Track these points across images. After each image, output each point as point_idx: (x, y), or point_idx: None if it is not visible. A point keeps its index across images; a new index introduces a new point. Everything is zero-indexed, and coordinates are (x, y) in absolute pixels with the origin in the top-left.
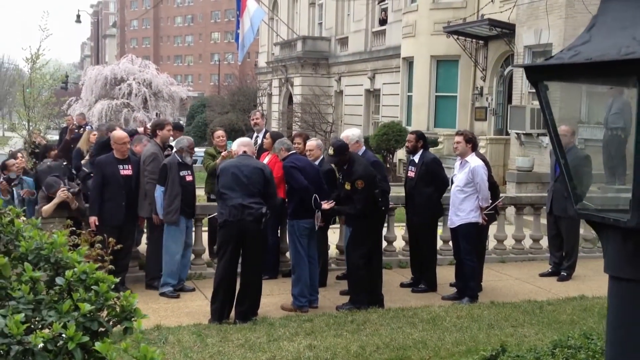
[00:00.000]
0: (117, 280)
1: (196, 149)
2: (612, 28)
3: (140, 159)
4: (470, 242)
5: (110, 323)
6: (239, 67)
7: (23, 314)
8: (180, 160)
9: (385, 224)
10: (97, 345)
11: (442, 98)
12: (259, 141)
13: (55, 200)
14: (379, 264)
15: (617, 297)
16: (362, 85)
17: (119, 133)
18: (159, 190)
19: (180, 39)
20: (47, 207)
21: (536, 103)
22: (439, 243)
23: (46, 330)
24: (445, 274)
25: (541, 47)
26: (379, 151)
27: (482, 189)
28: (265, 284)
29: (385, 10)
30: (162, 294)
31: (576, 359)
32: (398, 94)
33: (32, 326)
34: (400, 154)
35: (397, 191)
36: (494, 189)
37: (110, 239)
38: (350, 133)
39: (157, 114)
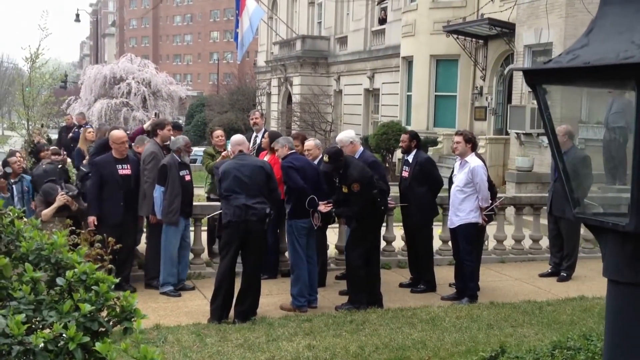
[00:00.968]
0: (117, 280)
1: (195, 149)
2: (611, 32)
3: (140, 158)
4: (470, 242)
5: (110, 323)
6: (238, 67)
7: (24, 315)
8: (180, 160)
9: (384, 224)
10: (98, 345)
11: (442, 97)
12: (258, 141)
13: (55, 205)
14: (377, 264)
15: (616, 301)
16: (361, 84)
17: (117, 133)
18: (158, 191)
19: (180, 38)
20: (47, 212)
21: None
22: (439, 243)
23: (47, 331)
24: (445, 274)
25: (541, 46)
26: (378, 151)
27: (482, 189)
28: (264, 283)
29: (384, 9)
30: (164, 293)
31: None
32: (397, 94)
33: (33, 326)
34: (400, 153)
35: (396, 191)
36: (491, 189)
37: (110, 239)
38: (343, 136)
39: (156, 113)
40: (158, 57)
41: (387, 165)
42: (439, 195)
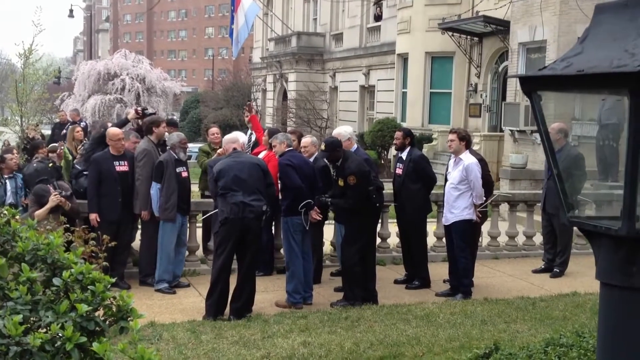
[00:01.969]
0: (113, 280)
1: (190, 145)
2: (605, 40)
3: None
4: (464, 239)
5: (107, 323)
6: (233, 63)
7: (21, 315)
8: (176, 157)
9: (379, 221)
10: (95, 345)
11: (437, 94)
12: (253, 138)
13: (48, 206)
14: (373, 260)
15: (609, 304)
16: (356, 81)
17: (113, 130)
18: (155, 188)
19: (174, 34)
20: (40, 212)
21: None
22: (433, 240)
23: (43, 331)
24: (440, 271)
25: (535, 44)
26: (373, 147)
27: (476, 186)
28: (259, 280)
29: (380, 6)
30: (159, 290)
31: (568, 357)
32: (393, 90)
33: (30, 327)
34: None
35: (390, 188)
36: (488, 185)
37: (105, 236)
38: (342, 130)
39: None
40: (152, 52)
41: (382, 162)
42: (434, 192)
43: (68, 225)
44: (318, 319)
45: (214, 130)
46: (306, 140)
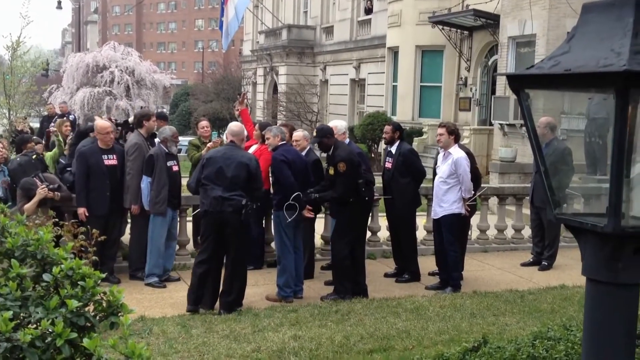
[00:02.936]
0: (103, 275)
1: (180, 138)
2: (592, 39)
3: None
4: (453, 232)
5: (97, 318)
6: (224, 55)
7: (11, 312)
8: (167, 151)
9: (370, 214)
10: (85, 341)
11: (427, 88)
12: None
13: (35, 199)
14: (362, 254)
15: (594, 300)
16: (347, 74)
17: (101, 123)
18: (145, 181)
19: (164, 26)
20: (29, 207)
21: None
22: (423, 233)
23: (33, 327)
24: (429, 264)
25: (525, 37)
26: (364, 141)
27: (465, 180)
28: (250, 274)
29: None
30: (149, 284)
31: (555, 350)
32: (383, 84)
33: (20, 322)
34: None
35: (380, 181)
36: (476, 179)
37: (94, 230)
38: (338, 124)
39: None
40: (142, 45)
41: (372, 155)
42: (423, 186)
43: (57, 220)
44: (308, 313)
45: (204, 123)
46: (298, 134)
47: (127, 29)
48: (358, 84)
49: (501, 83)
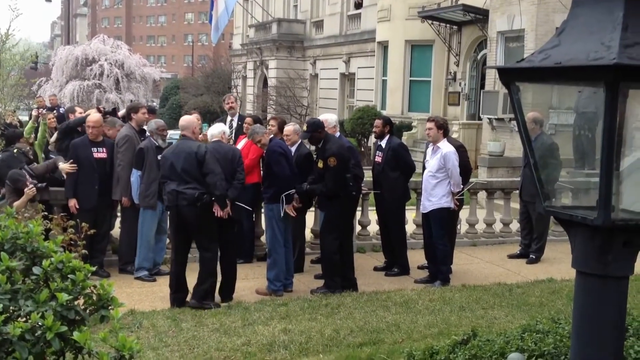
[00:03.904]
0: (94, 269)
1: (171, 132)
2: (582, 33)
3: (114, 141)
4: (442, 226)
5: (87, 311)
6: (213, 49)
7: (1, 305)
8: (157, 144)
9: (360, 208)
10: (75, 334)
11: (417, 82)
12: (234, 125)
13: (24, 199)
14: (350, 248)
15: (584, 292)
16: (337, 68)
17: (93, 116)
18: (135, 175)
19: (153, 19)
20: (18, 204)
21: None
22: (413, 227)
23: (23, 320)
24: (418, 258)
25: (514, 32)
26: (353, 135)
27: (454, 174)
28: (240, 268)
29: None
30: (138, 278)
31: (544, 343)
32: (373, 78)
33: (10, 316)
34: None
35: (369, 175)
36: (467, 172)
37: (84, 224)
38: (329, 117)
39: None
40: (131, 38)
41: (362, 149)
42: (413, 180)
43: (46, 213)
44: (298, 306)
45: (195, 116)
46: (289, 128)
47: (117, 22)
48: (348, 78)
49: (490, 78)
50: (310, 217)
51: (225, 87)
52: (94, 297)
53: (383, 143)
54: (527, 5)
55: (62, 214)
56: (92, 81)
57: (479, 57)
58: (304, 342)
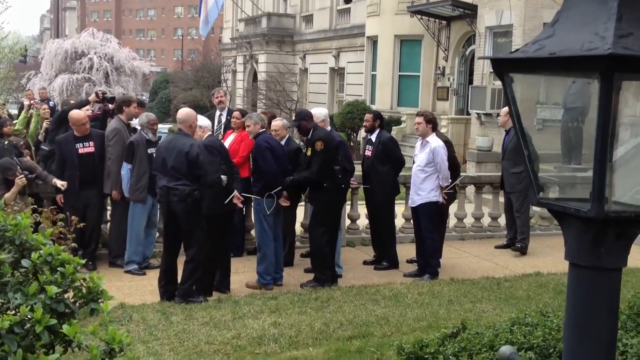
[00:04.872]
0: (83, 262)
1: (160, 126)
2: (576, 23)
3: (104, 134)
4: (431, 220)
5: (77, 304)
6: (203, 43)
7: None
8: (147, 138)
9: (349, 202)
10: (65, 328)
11: (406, 77)
12: (223, 119)
13: (14, 189)
14: (335, 240)
15: (577, 284)
16: (326, 63)
17: (76, 114)
18: (125, 168)
19: (143, 13)
20: (8, 196)
21: (497, 83)
22: (402, 221)
23: (12, 313)
24: (408, 252)
25: (502, 28)
26: (343, 129)
27: (442, 168)
28: (230, 261)
29: None
30: (128, 272)
31: (533, 336)
32: (362, 73)
33: None
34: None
35: (359, 170)
36: (455, 168)
37: (73, 217)
38: (317, 111)
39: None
40: (121, 31)
41: (352, 144)
42: (402, 174)
43: (36, 207)
44: (288, 300)
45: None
46: (277, 123)
47: (106, 16)
48: (337, 73)
49: (478, 73)
50: (300, 211)
51: (215, 81)
52: (84, 290)
53: (373, 137)
54: (515, 1)
55: (51, 207)
56: (82, 75)
57: (467, 52)
58: (293, 335)
